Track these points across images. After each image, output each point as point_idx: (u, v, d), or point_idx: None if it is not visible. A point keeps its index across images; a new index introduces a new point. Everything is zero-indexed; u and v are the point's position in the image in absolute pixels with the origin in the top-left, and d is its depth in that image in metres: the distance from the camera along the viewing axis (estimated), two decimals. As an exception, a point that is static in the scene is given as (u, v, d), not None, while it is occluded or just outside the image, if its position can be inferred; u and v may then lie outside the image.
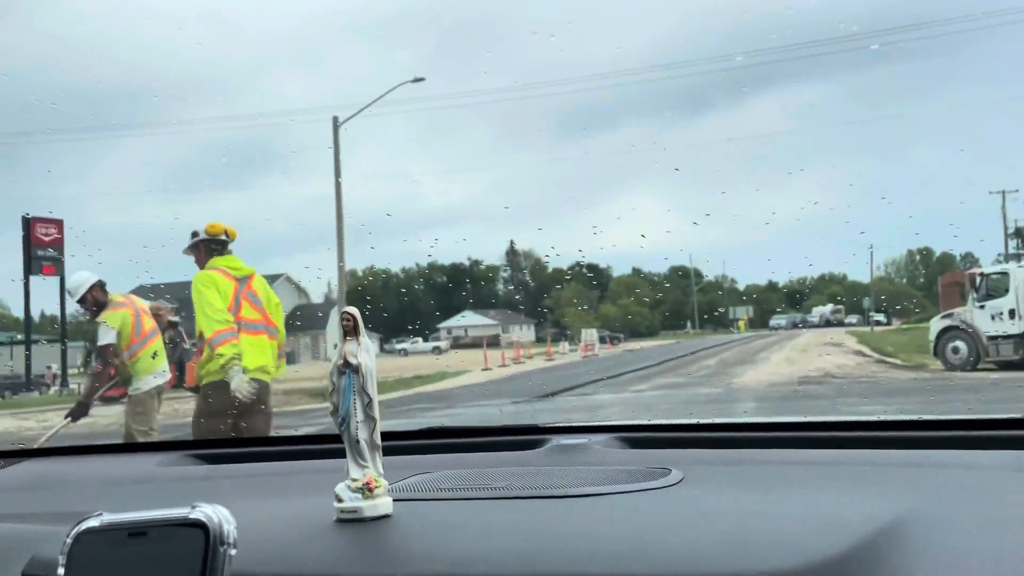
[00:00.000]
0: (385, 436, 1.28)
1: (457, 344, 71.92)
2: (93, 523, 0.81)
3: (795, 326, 71.63)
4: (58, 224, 38.19)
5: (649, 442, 1.54)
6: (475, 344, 65.94)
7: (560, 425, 1.72)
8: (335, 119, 22.21)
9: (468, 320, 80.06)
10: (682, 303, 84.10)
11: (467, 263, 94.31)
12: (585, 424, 1.73)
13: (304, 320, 62.34)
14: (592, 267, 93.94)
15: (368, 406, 1.05)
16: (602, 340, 47.94)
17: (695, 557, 0.90)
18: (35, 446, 2.25)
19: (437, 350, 60.56)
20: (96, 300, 5.08)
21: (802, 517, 1.02)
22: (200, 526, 0.79)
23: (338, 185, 22.32)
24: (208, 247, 4.69)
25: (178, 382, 25.51)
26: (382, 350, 67.09)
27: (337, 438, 1.25)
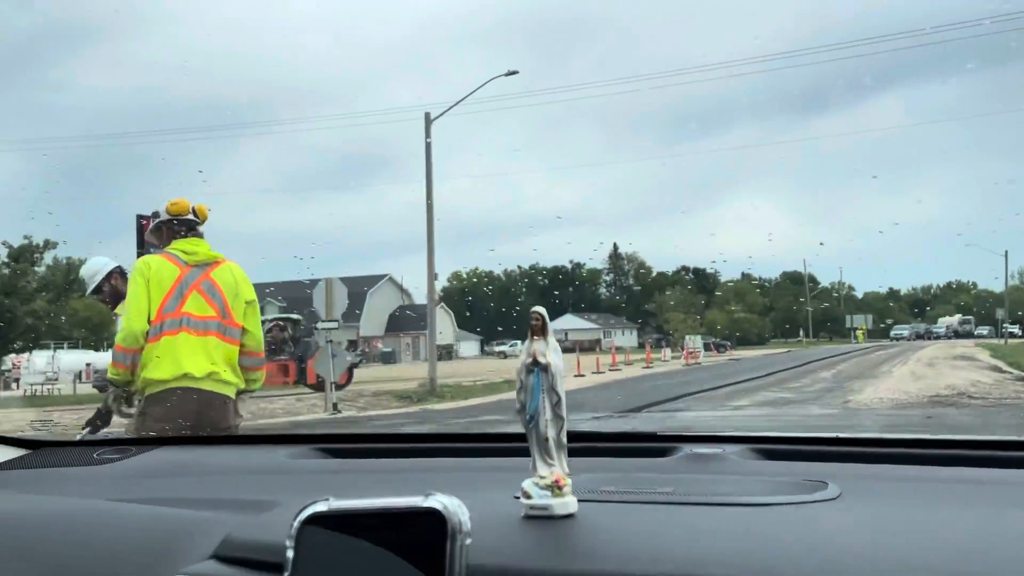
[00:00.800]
0: (508, 437, 1.56)
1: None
2: (321, 508, 0.80)
3: (919, 337, 67.23)
4: (170, 223, 39.45)
5: (789, 454, 1.48)
6: (577, 348, 65.01)
7: (690, 434, 1.66)
8: (427, 115, 21.61)
9: (568, 323, 79.02)
10: (795, 310, 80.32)
11: (569, 266, 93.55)
12: (716, 433, 1.66)
13: (407, 321, 62.86)
14: (698, 271, 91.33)
15: (556, 405, 1.05)
16: (707, 347, 45.95)
17: (864, 573, 0.90)
18: (164, 436, 2.33)
19: (536, 353, 59.77)
20: (115, 290, 4.27)
21: (967, 538, 1.01)
22: (436, 515, 0.78)
23: (429, 180, 21.73)
24: (171, 230, 3.82)
25: (299, 378, 25.34)
26: (482, 352, 66.92)
27: (460, 437, 1.69)
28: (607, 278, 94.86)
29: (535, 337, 1.05)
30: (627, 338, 74.03)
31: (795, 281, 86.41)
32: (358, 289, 61.63)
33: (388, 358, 58.59)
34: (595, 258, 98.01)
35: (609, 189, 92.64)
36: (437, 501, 0.79)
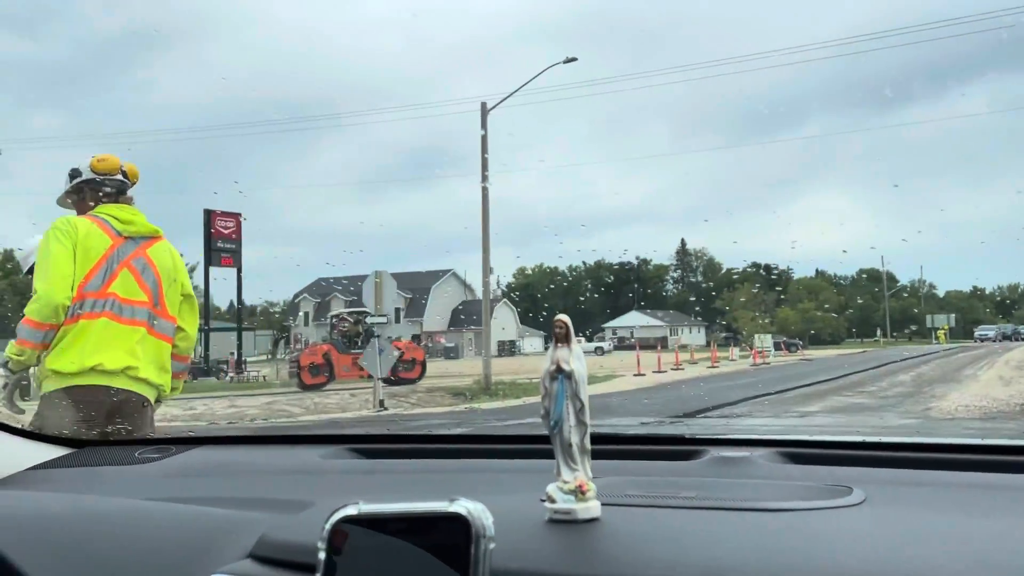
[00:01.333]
0: (536, 439, 1.55)
1: (622, 345, 69.88)
2: (351, 511, 0.84)
3: (1005, 338, 63.67)
4: (236, 217, 39.94)
5: (816, 459, 1.46)
6: (643, 346, 63.72)
7: (716, 437, 1.65)
8: (483, 105, 21.04)
9: (633, 321, 77.68)
10: (872, 309, 77.34)
11: (635, 262, 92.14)
12: (743, 437, 1.65)
13: (470, 316, 62.66)
14: (770, 268, 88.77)
15: (580, 411, 1.07)
16: (777, 347, 44.34)
17: None
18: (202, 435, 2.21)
19: (599, 351, 58.86)
20: None
21: (995, 546, 0.99)
22: (460, 519, 0.81)
23: (484, 171, 21.15)
24: (95, 191, 3.21)
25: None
26: (546, 348, 66.16)
27: (489, 439, 1.77)
28: (674, 275, 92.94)
29: (559, 344, 1.08)
30: (695, 336, 72.34)
31: (872, 278, 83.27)
32: (422, 284, 61.74)
33: (451, 353, 58.49)
34: (660, 253, 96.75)
35: (679, 184, 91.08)
36: (462, 506, 0.82)
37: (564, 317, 1.08)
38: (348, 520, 0.84)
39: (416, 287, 64.21)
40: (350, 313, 29.87)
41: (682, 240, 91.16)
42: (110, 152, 3.27)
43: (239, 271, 42.08)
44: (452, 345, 60.18)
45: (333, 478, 1.59)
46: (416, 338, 60.06)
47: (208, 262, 40.23)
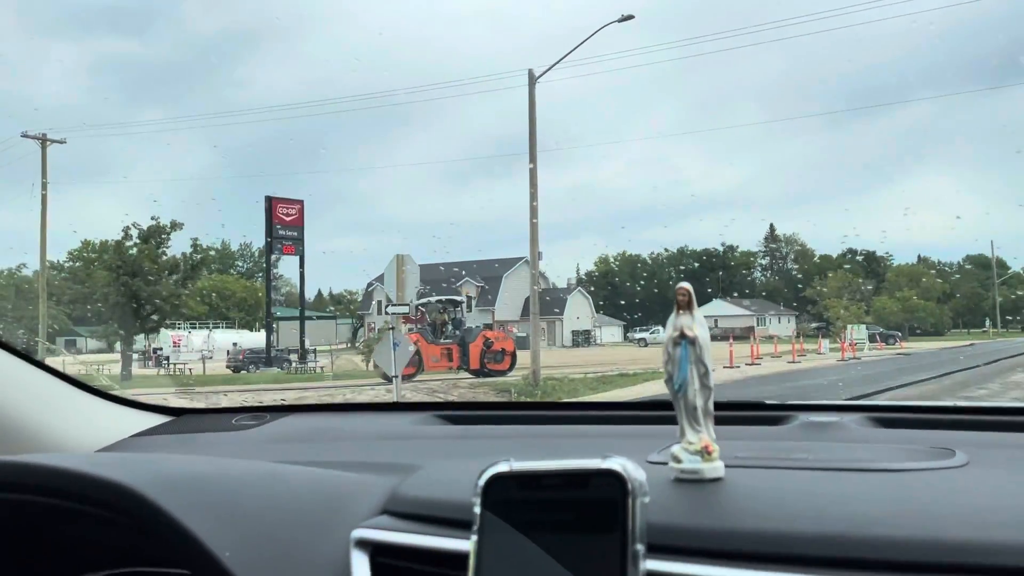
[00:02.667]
0: (599, 406, 1.72)
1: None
2: (503, 468, 0.85)
3: None
4: (298, 205, 39.16)
5: (908, 423, 1.48)
6: (727, 336, 60.52)
7: (802, 403, 1.63)
8: (531, 72, 19.07)
9: (718, 309, 74.15)
10: (980, 297, 71.47)
11: (720, 248, 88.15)
12: (832, 403, 1.62)
13: (543, 305, 60.80)
14: (868, 254, 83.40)
15: (704, 376, 1.11)
16: (872, 339, 40.85)
17: (1001, 539, 0.91)
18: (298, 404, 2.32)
19: (680, 341, 56.15)
20: None
21: None
22: (614, 475, 0.82)
23: (533, 138, 19.19)
24: None
25: (462, 363, 23.99)
26: (625, 338, 63.77)
27: (570, 405, 2.02)
28: (763, 261, 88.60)
29: (681, 311, 1.11)
30: (783, 326, 68.48)
31: (980, 265, 77.08)
32: (494, 272, 60.17)
33: (522, 343, 56.82)
34: (746, 239, 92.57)
35: (772, 169, 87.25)
36: (616, 463, 0.82)
37: (686, 284, 1.13)
38: (499, 477, 0.84)
39: (488, 275, 62.61)
40: (438, 301, 28.52)
41: (771, 225, 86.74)
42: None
43: (301, 259, 41.31)
44: (524, 335, 58.47)
45: (429, 443, 1.60)
46: (488, 327, 58.80)
47: (270, 250, 39.49)
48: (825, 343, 38.96)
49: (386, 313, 27.76)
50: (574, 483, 0.82)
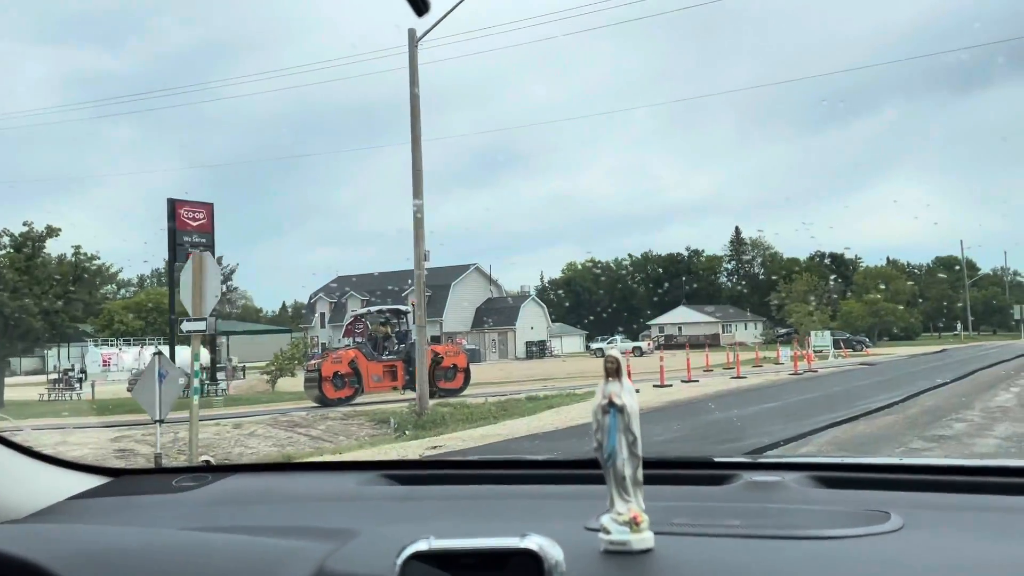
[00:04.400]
0: (572, 464, 1.64)
1: (669, 344, 63.68)
2: (422, 546, 0.86)
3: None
4: (206, 208, 35.36)
5: (848, 482, 1.45)
6: (695, 343, 57.50)
7: (747, 461, 1.62)
8: (411, 33, 15.66)
9: (681, 317, 71.26)
10: (951, 300, 69.32)
11: (685, 253, 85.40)
12: (775, 460, 1.59)
13: (496, 315, 57.38)
14: (836, 257, 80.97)
15: (632, 444, 1.10)
16: (837, 345, 37.91)
17: None
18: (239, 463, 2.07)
19: (638, 351, 53.09)
20: None
21: None
22: (532, 555, 0.83)
23: (415, 109, 15.82)
24: None
25: (408, 383, 20.17)
26: (586, 350, 60.34)
27: (524, 464, 1.74)
28: (728, 266, 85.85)
29: (610, 379, 1.10)
30: (750, 333, 65.70)
31: (950, 267, 75.11)
32: (442, 281, 56.66)
33: (471, 357, 52.94)
34: (715, 244, 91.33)
35: (744, 177, 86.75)
36: (534, 542, 0.84)
37: (615, 353, 1.12)
38: (418, 555, 0.85)
39: (435, 284, 59.02)
40: (379, 312, 24.86)
41: (736, 228, 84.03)
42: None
43: (211, 268, 37.26)
44: (474, 348, 54.66)
45: (372, 505, 1.59)
46: (436, 340, 55.13)
47: (173, 259, 35.52)
48: (785, 352, 36.03)
49: (181, 333, 24.27)
50: (492, 563, 0.84)
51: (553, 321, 77.10)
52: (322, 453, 12.01)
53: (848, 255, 79.25)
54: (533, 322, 59.39)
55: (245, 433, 14.28)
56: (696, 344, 61.16)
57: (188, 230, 34.69)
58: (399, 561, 0.85)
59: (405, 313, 24.29)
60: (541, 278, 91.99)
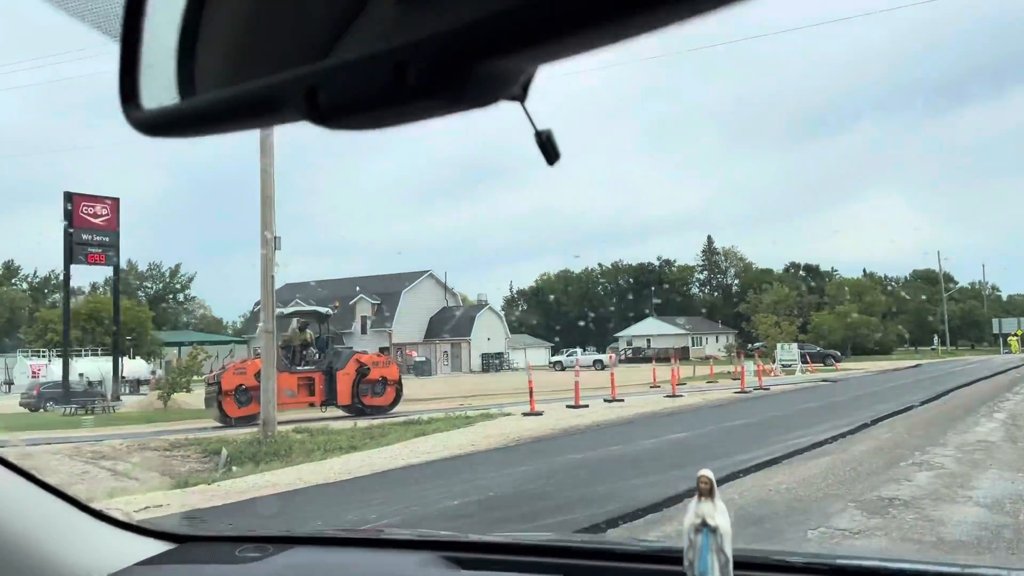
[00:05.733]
0: (631, 557, 1.55)
1: (637, 356, 60.70)
2: None
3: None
4: (111, 203, 31.90)
5: None
6: (658, 358, 54.51)
7: (760, 560, 1.48)
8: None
9: (650, 328, 68.39)
10: (928, 313, 66.96)
11: (657, 263, 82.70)
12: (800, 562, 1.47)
13: (451, 325, 54.20)
14: (811, 268, 78.55)
15: (724, 565, 1.12)
16: (805, 359, 35.09)
17: None
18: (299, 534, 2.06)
19: (599, 364, 50.09)
20: None
21: None
22: None
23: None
24: None
25: (328, 397, 17.04)
26: (551, 365, 57.00)
27: (606, 553, 1.61)
28: (701, 276, 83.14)
29: (702, 498, 1.12)
30: (722, 345, 62.92)
31: (928, 281, 72.86)
32: (392, 288, 53.37)
33: (422, 369, 49.58)
34: (691, 257, 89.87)
35: (728, 191, 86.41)
36: None
37: (708, 472, 1.13)
38: None
39: (385, 291, 55.59)
40: (293, 315, 21.51)
41: (708, 237, 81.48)
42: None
43: (116, 270, 33.96)
44: (423, 360, 51.26)
45: None
46: (384, 351, 51.73)
47: (69, 259, 32.00)
48: (749, 366, 33.11)
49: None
50: None
51: (520, 332, 74.05)
52: (131, 494, 9.11)
53: (824, 267, 76.95)
54: (490, 333, 56.13)
55: (29, 465, 11.00)
56: (664, 358, 58.41)
57: (89, 227, 31.19)
58: None
59: (326, 316, 21.01)
60: (510, 288, 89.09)
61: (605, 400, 16.10)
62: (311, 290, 56.83)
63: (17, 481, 1.53)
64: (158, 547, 1.77)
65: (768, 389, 18.50)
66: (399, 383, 19.39)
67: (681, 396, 16.92)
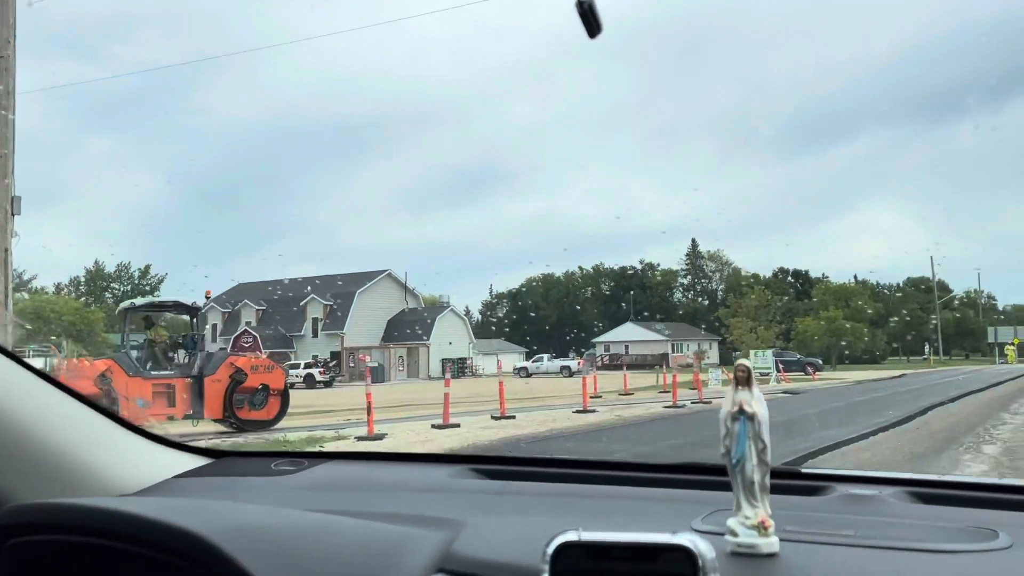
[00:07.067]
0: (654, 468, 1.66)
1: (614, 363, 57.46)
2: (572, 536, 0.86)
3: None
4: None
5: (948, 499, 1.42)
6: (633, 365, 51.18)
7: (838, 473, 1.59)
8: None
9: (628, 334, 65.07)
10: (920, 321, 63.77)
11: (638, 266, 79.44)
12: (869, 474, 1.57)
13: (412, 328, 50.78)
14: (799, 273, 75.32)
15: (762, 451, 1.13)
16: (778, 367, 31.82)
17: None
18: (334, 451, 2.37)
19: (566, 370, 46.78)
20: None
21: None
22: (685, 551, 0.83)
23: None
24: None
25: (194, 408, 13.63)
26: (517, 373, 53.68)
27: (611, 465, 1.71)
28: (684, 280, 79.77)
29: (740, 386, 1.13)
30: (708, 351, 59.64)
31: (922, 289, 69.73)
32: (346, 288, 49.90)
33: (374, 375, 45.92)
34: (666, 258, 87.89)
35: (724, 201, 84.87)
36: (687, 539, 0.83)
37: (746, 362, 1.14)
38: (566, 545, 0.84)
39: (338, 292, 52.05)
40: (149, 305, 17.98)
41: (693, 241, 78.19)
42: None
43: None
44: (375, 365, 47.58)
45: (468, 497, 1.59)
46: (335, 357, 48.27)
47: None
48: (715, 374, 29.78)
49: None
50: (643, 557, 0.83)
51: (497, 336, 70.76)
52: None
53: (814, 273, 73.71)
54: (452, 336, 52.54)
55: None
56: (638, 364, 55.14)
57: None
58: (549, 550, 0.84)
59: (196, 310, 17.40)
60: (490, 291, 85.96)
61: (493, 417, 12.77)
62: (258, 290, 53.39)
63: (61, 397, 1.59)
64: (197, 461, 1.81)
65: (709, 403, 15.24)
66: (285, 393, 15.91)
67: (594, 412, 13.63)
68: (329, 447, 10.35)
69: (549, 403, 17.29)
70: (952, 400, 15.52)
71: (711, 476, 1.46)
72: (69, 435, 1.56)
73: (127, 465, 1.64)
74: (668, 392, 18.98)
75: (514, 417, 12.87)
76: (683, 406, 15.31)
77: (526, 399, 18.55)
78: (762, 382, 28.01)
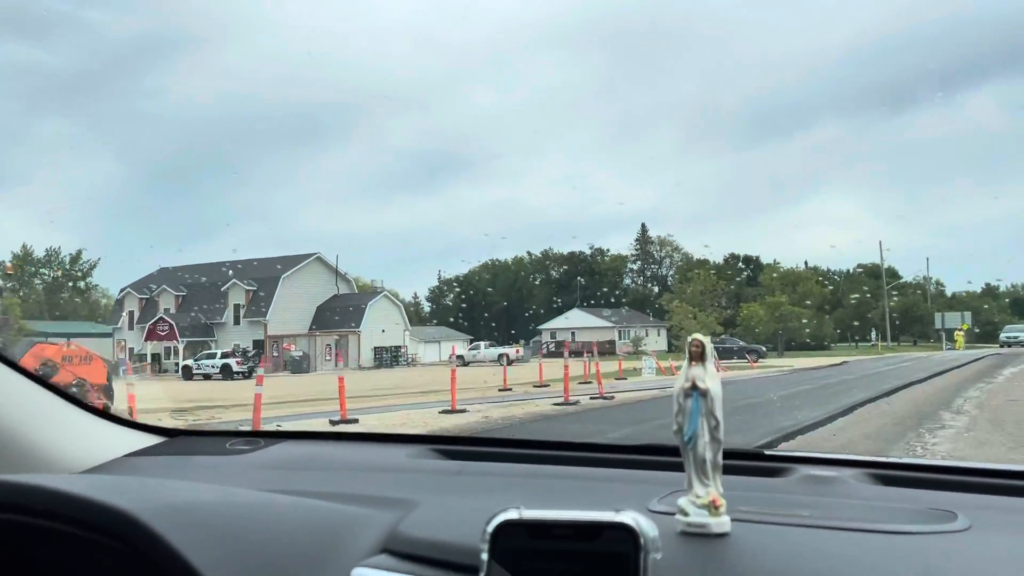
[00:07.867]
0: (615, 449, 1.64)
1: (559, 350, 55.59)
2: (512, 514, 0.84)
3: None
4: None
5: (908, 481, 1.44)
6: (576, 352, 49.21)
7: (801, 455, 1.60)
8: None
9: (575, 321, 63.20)
10: (869, 307, 62.98)
11: (588, 251, 77.62)
12: (831, 456, 1.58)
13: (342, 315, 48.19)
14: (750, 259, 74.15)
15: (715, 428, 1.11)
16: (723, 354, 30.15)
17: None
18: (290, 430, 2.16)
19: (504, 358, 44.68)
20: None
21: None
22: (627, 529, 0.81)
23: None
24: None
25: None
26: (456, 359, 51.56)
27: (571, 445, 1.70)
28: (634, 266, 78.17)
29: (693, 363, 1.11)
30: (653, 339, 58.09)
31: (872, 275, 69.02)
32: (269, 273, 46.99)
33: (298, 366, 43.42)
34: (624, 245, 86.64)
35: (682, 189, 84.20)
36: (629, 516, 0.82)
37: (700, 336, 1.11)
38: (507, 524, 0.83)
39: (261, 277, 48.82)
40: None
41: (643, 225, 76.56)
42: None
43: None
44: (300, 354, 44.82)
45: (425, 477, 1.58)
46: (258, 346, 45.50)
47: None
48: (649, 363, 27.86)
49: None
50: (585, 535, 0.82)
51: (443, 324, 68.45)
52: None
53: (766, 260, 72.63)
54: (384, 323, 49.80)
55: None
56: (582, 352, 53.31)
57: None
58: (489, 529, 0.83)
59: None
60: (439, 277, 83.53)
61: (331, 421, 10.52)
62: (177, 275, 50.13)
63: (8, 374, 1.52)
64: (150, 440, 1.80)
65: (611, 398, 13.12)
66: (108, 389, 13.51)
67: (463, 412, 11.48)
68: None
69: (440, 398, 15.04)
70: (887, 394, 13.64)
71: (674, 457, 1.37)
72: (12, 412, 1.52)
73: (75, 443, 1.61)
74: (591, 383, 16.95)
75: (356, 420, 10.64)
76: (576, 403, 13.18)
77: (405, 394, 16.49)
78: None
